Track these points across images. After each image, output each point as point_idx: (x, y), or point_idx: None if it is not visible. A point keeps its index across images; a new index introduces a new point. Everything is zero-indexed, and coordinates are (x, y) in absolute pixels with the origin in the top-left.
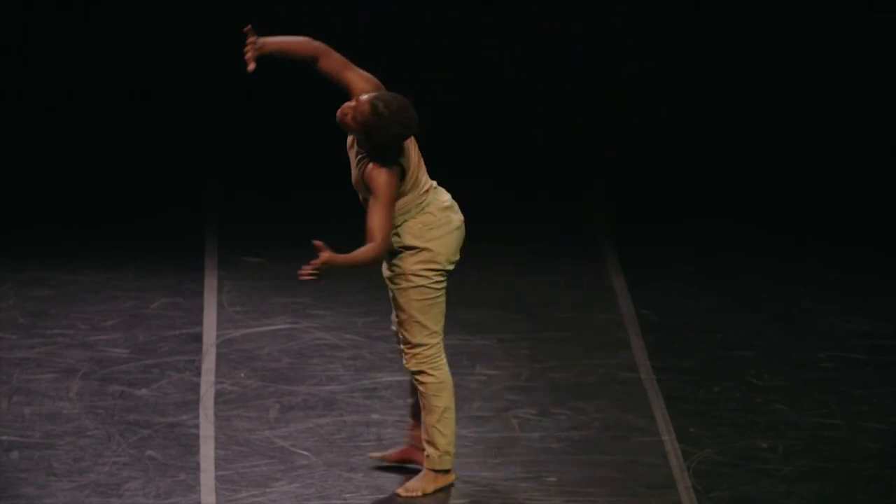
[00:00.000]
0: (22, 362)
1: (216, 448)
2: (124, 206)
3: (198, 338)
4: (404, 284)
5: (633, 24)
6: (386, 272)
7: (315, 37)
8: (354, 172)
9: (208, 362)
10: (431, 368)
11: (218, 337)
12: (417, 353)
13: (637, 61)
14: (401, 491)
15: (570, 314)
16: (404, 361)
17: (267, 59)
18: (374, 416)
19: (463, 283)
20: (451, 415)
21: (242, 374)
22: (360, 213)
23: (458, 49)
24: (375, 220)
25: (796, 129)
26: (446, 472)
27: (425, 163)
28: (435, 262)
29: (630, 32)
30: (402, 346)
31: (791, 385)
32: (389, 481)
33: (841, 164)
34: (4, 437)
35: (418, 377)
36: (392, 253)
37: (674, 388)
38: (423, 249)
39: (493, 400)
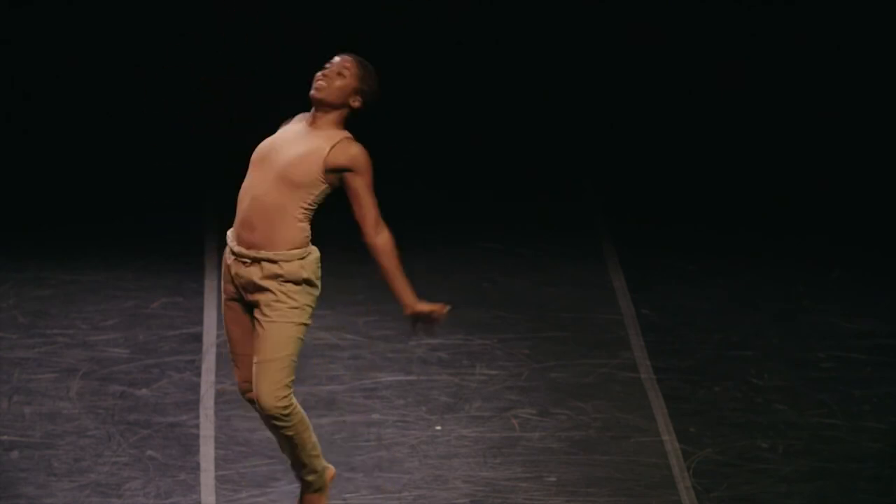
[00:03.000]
0: (22, 362)
1: (216, 448)
2: (124, 206)
3: (198, 337)
4: (296, 319)
5: (635, 24)
6: (263, 298)
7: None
8: (293, 157)
9: (208, 362)
10: (293, 404)
11: (218, 337)
12: (289, 394)
13: (637, 61)
14: None
15: (570, 314)
16: (270, 403)
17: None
18: (375, 417)
19: (463, 283)
20: (313, 434)
21: None
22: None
23: (458, 49)
24: (373, 206)
25: (797, 130)
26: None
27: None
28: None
29: (631, 32)
30: (264, 388)
31: (791, 385)
32: (390, 482)
33: (841, 163)
34: (5, 437)
35: (284, 419)
36: (287, 280)
37: (674, 388)
38: (318, 288)
39: (493, 400)
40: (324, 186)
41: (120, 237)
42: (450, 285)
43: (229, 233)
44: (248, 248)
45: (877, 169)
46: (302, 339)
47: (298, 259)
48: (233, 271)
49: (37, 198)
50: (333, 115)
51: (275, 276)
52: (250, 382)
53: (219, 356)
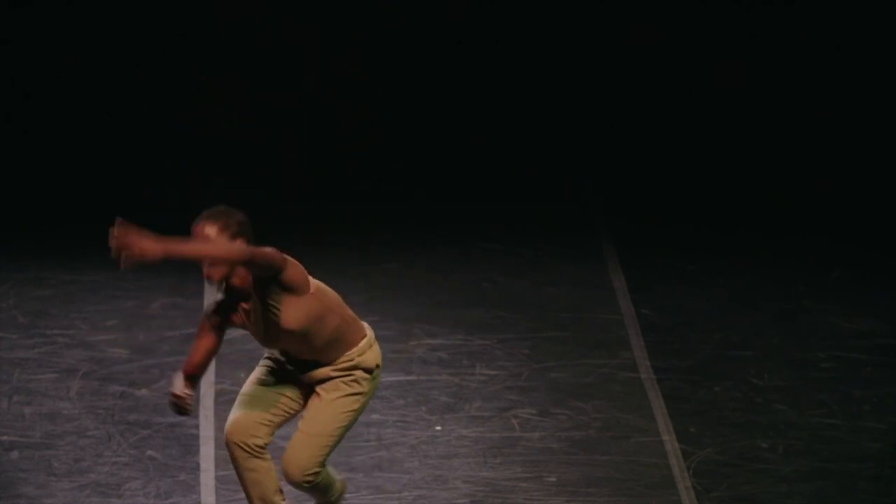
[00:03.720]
0: (22, 362)
1: (216, 448)
2: (125, 206)
3: None
4: (355, 406)
5: (635, 24)
6: (328, 373)
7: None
8: (258, 323)
9: None
10: (320, 472)
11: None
12: (319, 471)
13: (637, 61)
14: None
15: (570, 314)
16: (300, 477)
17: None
18: (375, 417)
19: (463, 283)
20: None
21: (242, 375)
22: (362, 218)
23: (458, 49)
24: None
25: (797, 130)
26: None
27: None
28: None
29: (631, 32)
30: (302, 460)
31: (791, 385)
32: (389, 482)
33: (841, 163)
34: (5, 437)
35: (304, 486)
36: (360, 368)
37: (674, 388)
38: (378, 377)
39: (493, 400)
40: (284, 292)
41: None
42: (450, 285)
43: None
44: (312, 368)
45: (877, 169)
46: (349, 427)
47: (368, 349)
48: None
49: (37, 198)
50: (237, 272)
51: (350, 369)
52: (245, 427)
53: (219, 356)
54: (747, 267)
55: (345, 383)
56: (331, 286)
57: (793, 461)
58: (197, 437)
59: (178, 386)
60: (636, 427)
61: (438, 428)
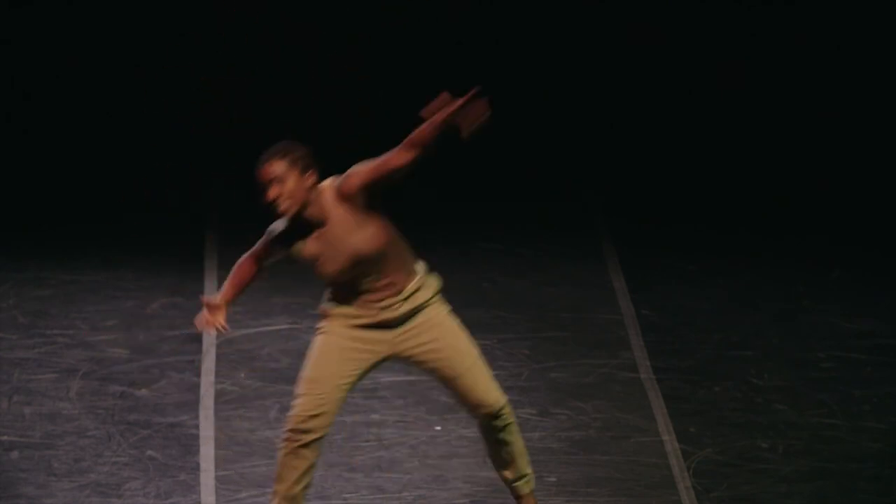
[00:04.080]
0: (22, 362)
1: (216, 448)
2: (125, 206)
3: (198, 338)
4: (458, 323)
5: (635, 24)
6: (420, 325)
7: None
8: (351, 247)
9: (208, 362)
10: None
11: (218, 337)
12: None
13: (637, 61)
14: None
15: (570, 314)
16: (498, 398)
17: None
18: (374, 417)
19: (463, 283)
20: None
21: (242, 375)
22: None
23: (458, 49)
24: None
25: (797, 130)
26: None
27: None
28: None
29: (631, 32)
30: (489, 386)
31: (791, 385)
32: (389, 482)
33: (841, 163)
34: (5, 437)
35: (506, 414)
36: (427, 304)
37: (674, 388)
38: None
39: None
40: (374, 218)
41: (120, 237)
42: (450, 285)
43: (342, 311)
44: (385, 306)
45: (877, 169)
46: None
47: (425, 279)
48: (379, 319)
49: (37, 198)
50: (315, 200)
51: (420, 306)
52: (312, 416)
53: (219, 356)
54: (747, 267)
55: (433, 311)
56: None
57: (793, 461)
58: (197, 437)
59: (213, 301)
60: (636, 427)
61: (438, 428)
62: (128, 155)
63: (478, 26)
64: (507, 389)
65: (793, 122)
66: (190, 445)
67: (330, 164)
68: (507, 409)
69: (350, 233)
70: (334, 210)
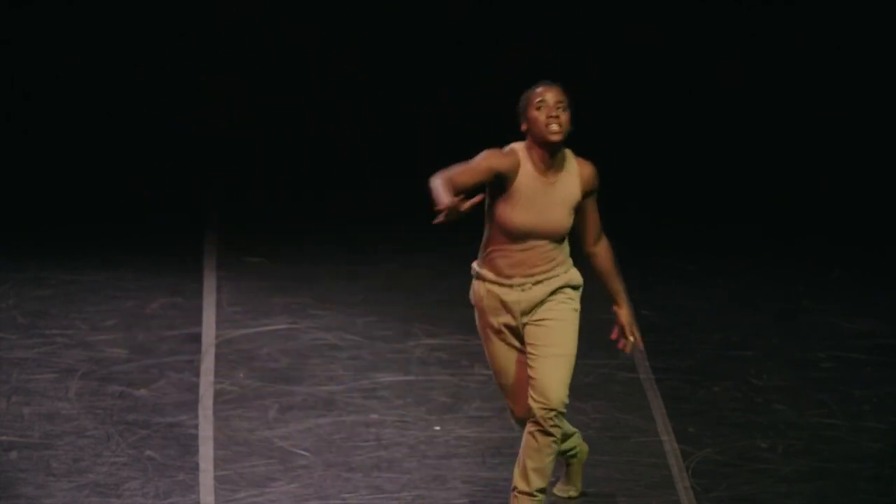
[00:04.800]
0: (21, 362)
1: (215, 448)
2: (124, 206)
3: (197, 338)
4: (577, 322)
5: (635, 23)
6: (549, 304)
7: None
8: (560, 217)
9: (207, 362)
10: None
11: (217, 337)
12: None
13: (635, 61)
14: None
15: None
16: (561, 397)
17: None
18: (373, 417)
19: (463, 283)
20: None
21: (241, 375)
22: (361, 218)
23: (458, 49)
24: (598, 219)
25: (797, 130)
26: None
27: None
28: None
29: (631, 32)
30: (563, 380)
31: (791, 385)
32: (388, 482)
33: (841, 163)
34: (4, 437)
35: (560, 420)
36: (568, 286)
37: (673, 388)
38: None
39: (493, 400)
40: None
41: (120, 237)
42: (449, 285)
43: (490, 274)
44: (528, 277)
45: (877, 169)
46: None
47: (573, 268)
48: (509, 300)
49: (37, 198)
50: (563, 150)
51: (559, 287)
52: (529, 409)
53: (218, 356)
54: (747, 267)
55: (561, 302)
56: (330, 285)
57: (792, 461)
58: (196, 437)
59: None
60: (635, 427)
61: (437, 428)
62: (128, 155)
63: (478, 26)
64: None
65: (793, 122)
66: (189, 445)
67: (330, 164)
68: (558, 420)
69: (564, 209)
70: (570, 177)
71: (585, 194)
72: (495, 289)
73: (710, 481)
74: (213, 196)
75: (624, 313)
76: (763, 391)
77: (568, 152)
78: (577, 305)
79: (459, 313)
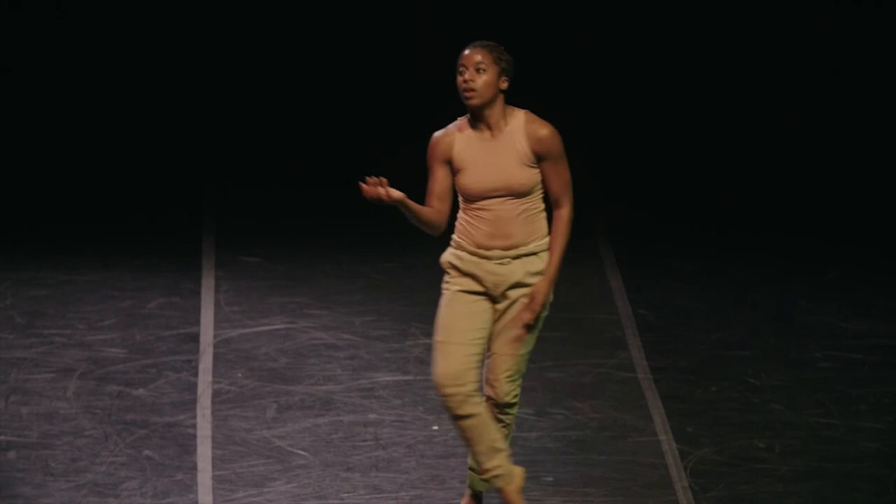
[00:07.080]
0: (19, 362)
1: (213, 448)
2: (122, 206)
3: (195, 338)
4: (543, 315)
5: (636, 23)
6: (523, 294)
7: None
8: (507, 174)
9: (205, 362)
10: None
11: (215, 337)
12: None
13: (635, 61)
14: None
15: (567, 314)
16: (512, 391)
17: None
18: (372, 416)
19: None
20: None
21: (240, 374)
22: (361, 217)
23: (458, 49)
24: (567, 176)
25: (795, 130)
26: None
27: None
28: None
29: (631, 32)
30: (504, 377)
31: (788, 385)
32: (387, 482)
33: (840, 163)
34: (2, 437)
35: (512, 409)
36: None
37: (671, 388)
38: None
39: None
40: (538, 170)
41: (117, 237)
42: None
43: (467, 243)
44: (507, 249)
45: (876, 169)
46: None
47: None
48: (485, 270)
49: (35, 198)
50: (496, 108)
51: (537, 273)
52: (456, 376)
53: (216, 356)
54: (745, 267)
55: (544, 311)
56: (330, 285)
57: (790, 461)
58: (194, 436)
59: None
60: (633, 427)
61: (436, 427)
62: (127, 155)
63: (479, 26)
64: None
65: (792, 122)
66: (187, 445)
67: (329, 164)
68: (512, 406)
69: (511, 162)
70: (514, 133)
71: (539, 155)
72: (474, 260)
73: (707, 481)
74: (211, 196)
75: (538, 285)
76: (760, 391)
77: (518, 111)
78: (549, 298)
79: None
